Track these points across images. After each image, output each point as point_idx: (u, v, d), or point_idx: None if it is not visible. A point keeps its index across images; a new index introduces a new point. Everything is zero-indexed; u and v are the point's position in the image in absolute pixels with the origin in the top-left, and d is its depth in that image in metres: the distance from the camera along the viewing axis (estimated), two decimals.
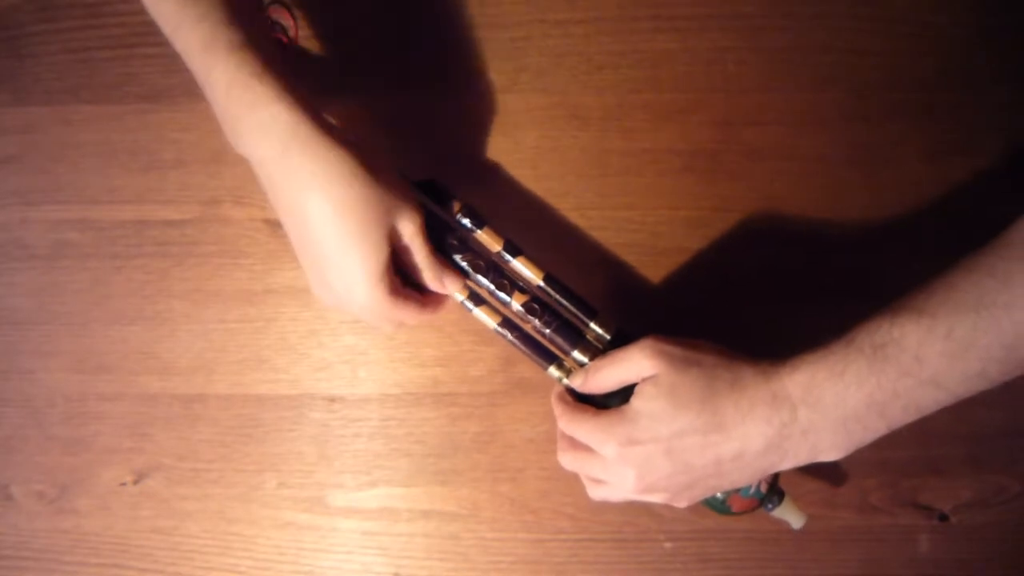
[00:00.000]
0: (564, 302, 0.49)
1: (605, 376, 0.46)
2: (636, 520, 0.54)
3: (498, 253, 0.50)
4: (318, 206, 0.40)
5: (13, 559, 0.56)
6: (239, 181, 0.55)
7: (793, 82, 0.54)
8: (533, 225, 0.54)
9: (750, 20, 0.54)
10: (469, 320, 0.55)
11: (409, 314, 0.45)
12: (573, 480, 0.54)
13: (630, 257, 0.55)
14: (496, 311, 0.49)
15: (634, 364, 0.44)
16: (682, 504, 0.46)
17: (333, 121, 0.42)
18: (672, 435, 0.43)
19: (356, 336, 0.55)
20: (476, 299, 0.48)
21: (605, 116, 0.54)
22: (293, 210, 0.42)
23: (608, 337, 0.49)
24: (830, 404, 0.41)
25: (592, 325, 0.49)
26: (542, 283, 0.49)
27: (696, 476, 0.44)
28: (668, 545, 0.54)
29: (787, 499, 0.49)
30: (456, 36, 0.55)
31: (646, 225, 0.55)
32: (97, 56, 0.55)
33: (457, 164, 0.55)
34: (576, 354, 0.48)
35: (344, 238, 0.41)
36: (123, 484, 0.56)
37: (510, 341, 0.48)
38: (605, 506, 0.54)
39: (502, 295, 0.48)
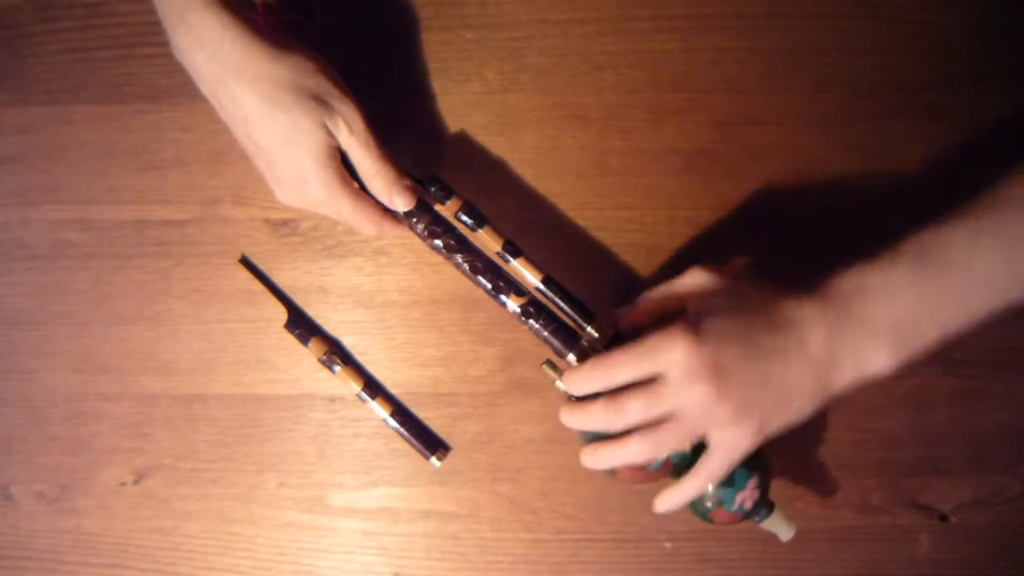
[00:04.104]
0: (562, 304, 0.49)
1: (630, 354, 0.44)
2: (636, 520, 0.54)
3: (497, 253, 0.50)
4: (249, 101, 0.42)
5: (13, 559, 0.56)
6: (239, 181, 0.55)
7: (793, 82, 0.54)
8: (532, 225, 0.54)
9: (750, 20, 0.54)
10: (469, 320, 0.55)
11: (369, 213, 0.46)
12: (573, 480, 0.54)
13: (629, 257, 0.55)
14: (389, 401, 0.54)
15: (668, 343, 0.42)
16: (746, 441, 0.43)
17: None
18: (744, 333, 0.42)
19: (356, 336, 0.55)
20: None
21: (605, 116, 0.54)
22: (232, 112, 0.43)
23: (604, 342, 0.48)
24: (881, 305, 0.41)
25: (588, 329, 0.49)
26: (540, 285, 0.49)
27: (770, 391, 0.42)
28: (668, 545, 0.54)
29: (777, 511, 0.48)
30: (456, 36, 0.55)
31: (646, 225, 0.55)
32: (97, 56, 0.55)
33: (457, 164, 0.55)
34: (571, 357, 0.48)
35: (280, 128, 0.42)
36: (123, 484, 0.56)
37: (401, 433, 0.54)
38: (605, 506, 0.54)
39: (500, 296, 0.48)
